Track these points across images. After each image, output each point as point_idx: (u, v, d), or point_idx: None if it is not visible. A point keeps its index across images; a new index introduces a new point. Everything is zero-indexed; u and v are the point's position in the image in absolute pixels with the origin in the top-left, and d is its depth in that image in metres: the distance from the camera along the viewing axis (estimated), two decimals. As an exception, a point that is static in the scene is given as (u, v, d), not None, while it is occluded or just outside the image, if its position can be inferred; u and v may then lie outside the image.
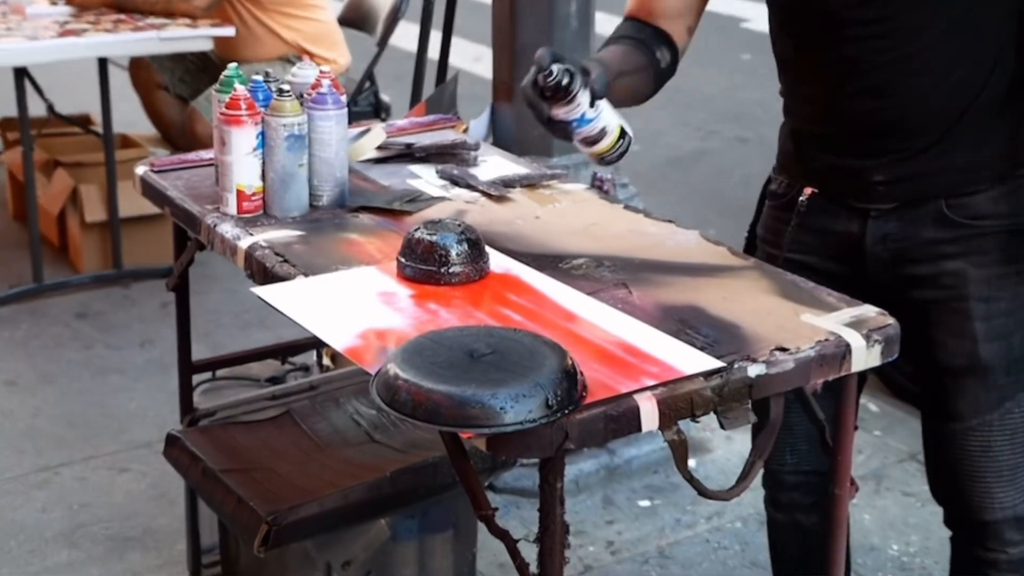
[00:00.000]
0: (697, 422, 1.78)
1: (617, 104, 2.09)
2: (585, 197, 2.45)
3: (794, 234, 2.16)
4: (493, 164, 2.58)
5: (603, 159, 2.04)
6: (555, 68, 1.88)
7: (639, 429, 1.67)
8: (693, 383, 1.72)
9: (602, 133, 1.99)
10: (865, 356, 1.85)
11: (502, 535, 1.76)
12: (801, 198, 2.14)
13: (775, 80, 2.22)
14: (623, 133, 2.03)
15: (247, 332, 4.28)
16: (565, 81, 1.89)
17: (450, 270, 1.98)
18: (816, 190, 2.13)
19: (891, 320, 1.90)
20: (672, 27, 2.18)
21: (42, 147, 4.85)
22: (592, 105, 1.95)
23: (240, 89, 2.25)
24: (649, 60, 2.14)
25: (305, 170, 2.29)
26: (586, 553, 3.17)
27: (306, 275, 2.03)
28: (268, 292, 1.98)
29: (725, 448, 3.60)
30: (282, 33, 4.74)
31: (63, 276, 4.65)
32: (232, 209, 2.29)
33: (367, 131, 2.57)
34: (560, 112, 1.93)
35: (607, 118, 1.99)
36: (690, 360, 1.76)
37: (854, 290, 2.00)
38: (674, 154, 6.37)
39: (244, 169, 2.27)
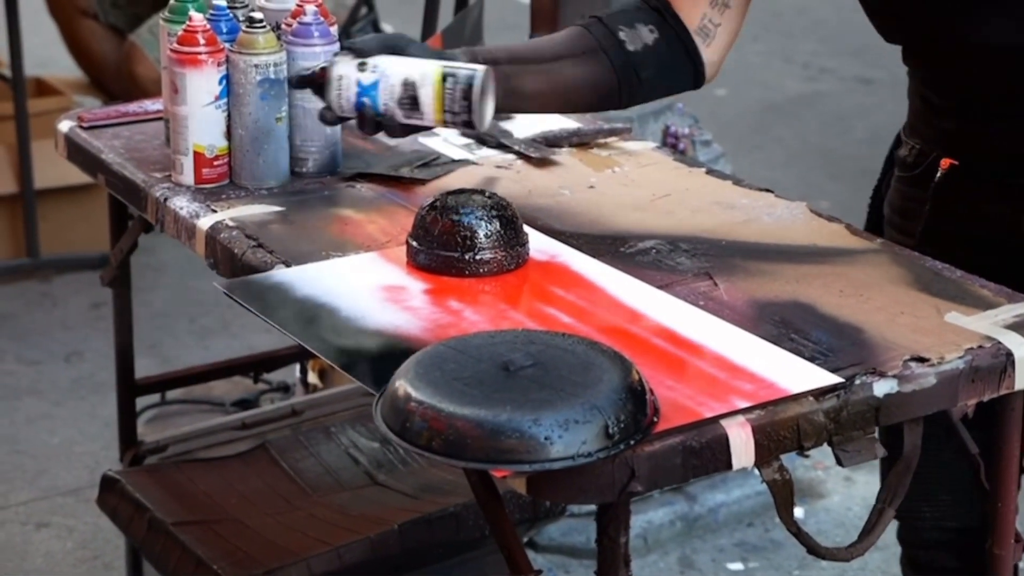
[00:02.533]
0: (806, 457, 1.80)
1: (530, 103, 2.15)
2: (654, 159, 2.47)
3: (930, 218, 2.17)
4: (533, 116, 2.60)
5: (456, 118, 2.05)
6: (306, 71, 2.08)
7: (729, 467, 1.69)
8: (800, 405, 1.74)
9: (409, 86, 2.02)
10: (1032, 368, 1.87)
11: (548, 606, 1.78)
12: (937, 172, 2.15)
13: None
14: (452, 68, 2.03)
15: (207, 341, 4.31)
16: (313, 70, 2.06)
17: (477, 256, 2.00)
18: (955, 162, 2.14)
19: (1065, 320, 1.91)
20: None
21: (-69, 96, 4.90)
22: (365, 68, 2.01)
23: (197, 18, 2.28)
24: (598, 43, 2.14)
25: (285, 126, 2.32)
26: (658, 633, 3.19)
27: (287, 264, 2.06)
28: (236, 287, 2.00)
29: (844, 492, 3.61)
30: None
31: (-39, 267, 4.70)
32: (188, 177, 2.32)
33: (365, 73, 2.59)
34: (332, 97, 2.04)
35: (402, 67, 2.02)
36: (796, 374, 1.78)
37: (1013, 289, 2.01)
38: (773, 100, 6.37)
39: (203, 125, 2.29)
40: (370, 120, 2.05)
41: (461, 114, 2.05)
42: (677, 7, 2.17)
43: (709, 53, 2.19)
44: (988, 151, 2.11)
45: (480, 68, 2.05)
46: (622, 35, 2.15)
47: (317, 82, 2.04)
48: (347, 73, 1.99)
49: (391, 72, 2.00)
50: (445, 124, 2.07)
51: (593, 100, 2.20)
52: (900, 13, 2.09)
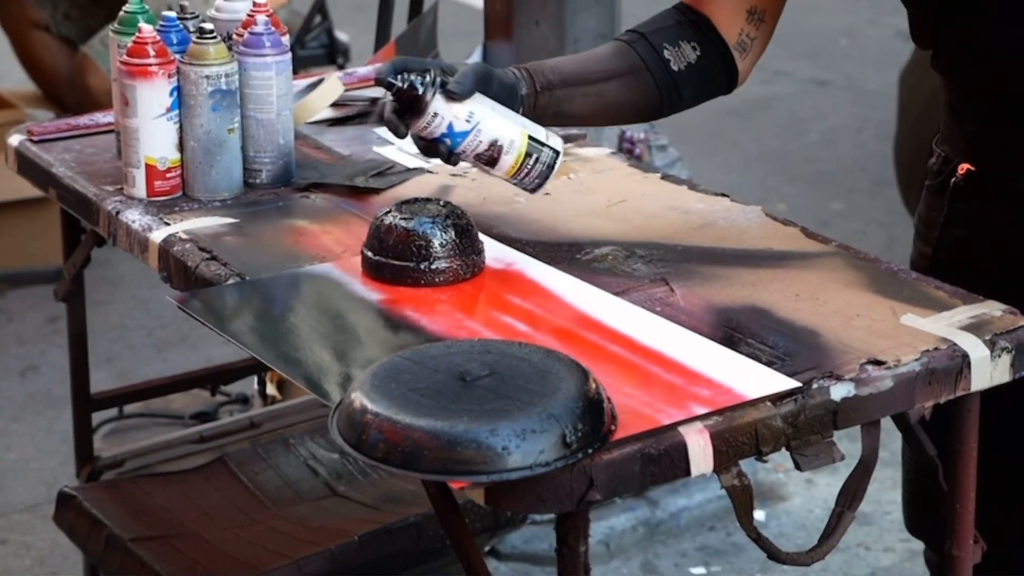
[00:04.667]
0: (765, 462, 1.80)
1: (576, 123, 2.18)
2: (610, 165, 2.47)
3: (945, 226, 2.15)
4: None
5: (520, 183, 2.09)
6: (399, 78, 2.00)
7: (687, 473, 1.68)
8: (758, 410, 1.74)
9: (495, 148, 2.04)
10: (989, 370, 1.87)
11: (509, 616, 1.78)
12: (953, 178, 2.13)
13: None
14: (537, 145, 2.06)
15: (164, 353, 4.30)
16: (411, 87, 1.99)
17: (432, 266, 2.00)
18: (972, 167, 2.12)
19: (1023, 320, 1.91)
20: (718, 11, 2.17)
21: None
22: (460, 114, 2.01)
23: (146, 29, 2.27)
24: (643, 62, 2.15)
25: (237, 137, 2.31)
26: (622, 639, 3.19)
27: (241, 277, 2.06)
28: (190, 301, 1.99)
29: (805, 494, 3.62)
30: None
31: (-86, 283, 4.67)
32: (140, 190, 2.31)
33: (319, 83, 2.58)
34: (418, 127, 2.02)
35: (496, 128, 2.04)
36: (753, 379, 1.78)
37: None
38: (730, 103, 6.35)
39: (155, 137, 2.28)
40: (442, 153, 2.05)
41: (528, 184, 2.10)
42: (717, 23, 2.17)
43: (744, 65, 2.21)
44: (1005, 157, 2.09)
45: (559, 149, 2.09)
46: (666, 54, 2.16)
47: (407, 97, 2.01)
48: (443, 114, 2.01)
49: (483, 128, 2.03)
50: (508, 180, 2.10)
51: (635, 116, 2.23)
52: (930, 16, 2.08)
